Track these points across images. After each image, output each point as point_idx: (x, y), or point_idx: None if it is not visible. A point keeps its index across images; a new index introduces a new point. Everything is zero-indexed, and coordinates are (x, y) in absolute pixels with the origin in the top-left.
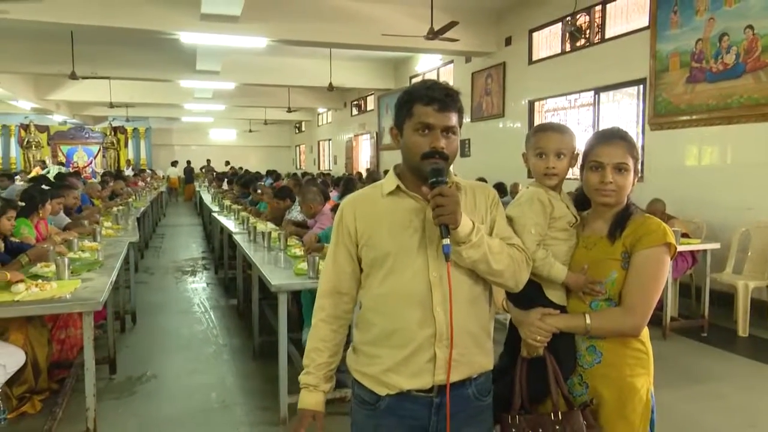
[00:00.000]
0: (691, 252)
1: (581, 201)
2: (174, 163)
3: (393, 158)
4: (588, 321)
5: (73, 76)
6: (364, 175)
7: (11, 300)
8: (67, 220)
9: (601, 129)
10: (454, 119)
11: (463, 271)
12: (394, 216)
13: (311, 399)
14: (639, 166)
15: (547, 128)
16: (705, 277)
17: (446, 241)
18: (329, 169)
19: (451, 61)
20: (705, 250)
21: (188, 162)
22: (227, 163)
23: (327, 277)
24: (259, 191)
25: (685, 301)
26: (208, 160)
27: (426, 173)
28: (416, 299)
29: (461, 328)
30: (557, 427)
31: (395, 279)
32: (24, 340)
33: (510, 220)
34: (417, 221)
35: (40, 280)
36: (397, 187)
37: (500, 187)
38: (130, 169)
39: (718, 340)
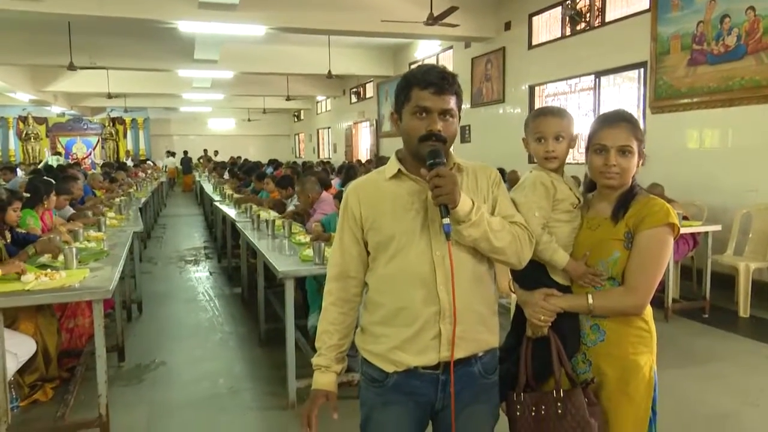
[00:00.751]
0: (692, 234)
1: (594, 185)
2: (171, 154)
3: (393, 145)
4: (591, 301)
5: (71, 67)
6: (366, 161)
7: (22, 289)
8: (71, 210)
9: (604, 112)
10: (451, 102)
11: (466, 250)
12: (397, 199)
13: (324, 379)
14: (643, 148)
15: (546, 112)
16: (706, 259)
17: (446, 220)
18: (329, 158)
19: (451, 47)
20: (706, 233)
21: (185, 152)
22: (216, 153)
23: (334, 261)
24: (265, 181)
25: (687, 284)
26: (205, 150)
27: (424, 155)
28: (420, 278)
29: (465, 306)
30: (559, 404)
31: (400, 260)
32: (34, 329)
33: (514, 205)
34: (419, 203)
35: (49, 270)
36: (399, 170)
37: (500, 174)
38: (130, 159)
39: (720, 321)
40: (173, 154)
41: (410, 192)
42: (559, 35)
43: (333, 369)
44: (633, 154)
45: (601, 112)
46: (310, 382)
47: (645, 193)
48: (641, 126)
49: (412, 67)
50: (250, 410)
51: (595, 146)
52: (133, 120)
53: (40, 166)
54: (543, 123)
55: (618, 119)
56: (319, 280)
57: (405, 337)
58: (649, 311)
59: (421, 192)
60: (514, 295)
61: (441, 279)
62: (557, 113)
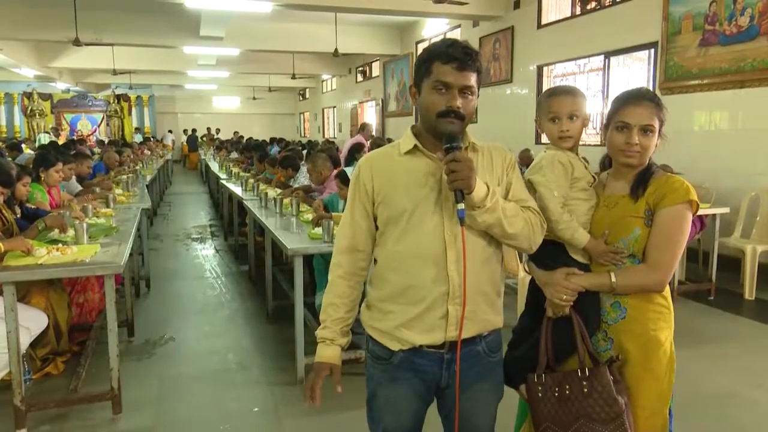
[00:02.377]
0: (700, 217)
1: (610, 163)
2: (169, 132)
3: (399, 125)
4: (614, 279)
5: (77, 43)
6: (368, 144)
7: (35, 263)
8: (79, 187)
9: (628, 89)
10: (472, 79)
11: (477, 232)
12: (411, 175)
13: (328, 352)
14: (664, 129)
15: (559, 92)
16: (713, 241)
17: (461, 205)
18: (334, 137)
19: (459, 26)
20: (714, 215)
21: (194, 130)
22: (218, 131)
23: (344, 234)
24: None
25: (692, 266)
26: (208, 129)
27: (442, 132)
28: (431, 257)
29: (473, 287)
30: (584, 383)
31: (411, 237)
32: (45, 304)
33: (532, 185)
34: (433, 181)
35: (60, 245)
36: (415, 146)
37: None
38: (139, 134)
39: (725, 303)
40: (170, 132)
41: (425, 169)
42: (569, 14)
43: (338, 342)
44: (654, 134)
45: (617, 92)
46: None
47: (661, 171)
48: (664, 106)
49: (420, 46)
50: (258, 384)
51: (617, 123)
52: (138, 97)
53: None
54: (557, 102)
55: (642, 97)
56: (327, 258)
57: (412, 315)
58: (667, 288)
59: (436, 170)
60: (521, 275)
61: (452, 259)
62: (571, 92)
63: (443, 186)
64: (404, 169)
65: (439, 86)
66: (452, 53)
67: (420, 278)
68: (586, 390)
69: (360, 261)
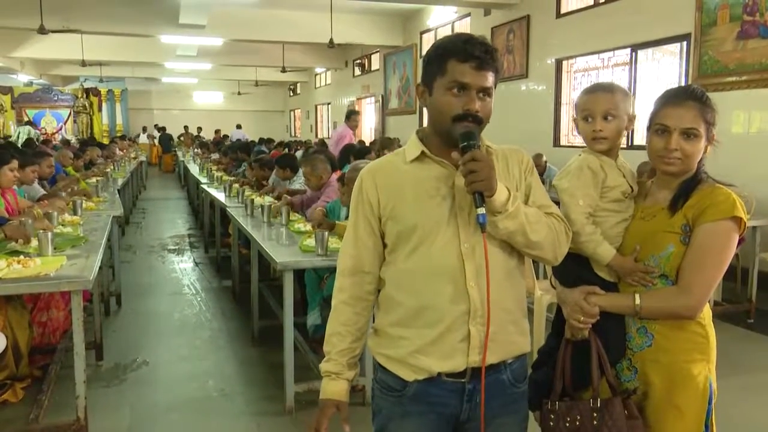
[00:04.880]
0: None
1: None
2: (144, 129)
3: (400, 124)
4: (637, 301)
5: (42, 30)
6: (368, 143)
7: None
8: (42, 191)
9: (673, 87)
10: (490, 79)
11: (497, 242)
12: (420, 184)
13: (334, 388)
14: (713, 132)
15: (595, 89)
16: (753, 257)
17: (481, 210)
18: (328, 137)
19: (468, 14)
20: (753, 228)
21: (163, 129)
22: (199, 129)
23: (348, 254)
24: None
25: (729, 285)
26: (186, 127)
27: (457, 137)
28: (447, 274)
29: (497, 304)
30: (595, 415)
31: (423, 253)
32: (3, 323)
33: (557, 192)
34: (445, 188)
35: (21, 257)
36: (422, 152)
37: None
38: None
39: (766, 326)
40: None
41: (435, 176)
42: (592, 2)
43: (344, 376)
44: (699, 138)
45: (644, 90)
46: (309, 386)
47: (711, 182)
48: (713, 106)
49: (424, 36)
50: (243, 415)
51: (656, 126)
52: (110, 91)
53: (16, 141)
54: (591, 100)
55: (685, 97)
56: (320, 273)
57: (428, 339)
58: (707, 313)
59: (448, 177)
60: (537, 294)
61: (471, 274)
62: (607, 89)
63: (457, 193)
64: (412, 179)
65: (456, 87)
66: (471, 51)
67: (436, 298)
68: (596, 422)
69: (366, 284)
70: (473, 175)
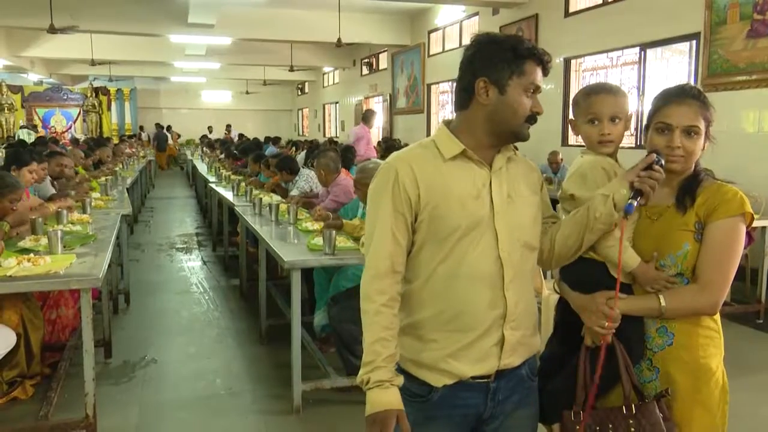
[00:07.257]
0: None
1: None
2: (141, 128)
3: (408, 123)
4: (663, 302)
5: (51, 30)
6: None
7: (2, 275)
8: (52, 190)
9: (672, 86)
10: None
11: (527, 246)
12: (463, 185)
13: (389, 397)
14: (711, 129)
15: (600, 90)
16: (763, 257)
17: (632, 201)
18: (336, 136)
19: (476, 14)
20: (763, 227)
21: (162, 127)
22: (210, 129)
23: (383, 252)
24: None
25: (738, 285)
26: (210, 128)
27: (524, 136)
28: (486, 279)
29: (525, 308)
30: (631, 422)
31: (461, 257)
32: (18, 321)
33: (576, 199)
34: (485, 192)
35: (32, 254)
36: (463, 151)
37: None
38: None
39: None
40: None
41: (474, 177)
42: (601, 1)
43: (396, 383)
44: (699, 136)
45: (654, 89)
46: (316, 385)
47: (711, 178)
48: (711, 104)
49: (432, 35)
50: (250, 413)
51: (657, 124)
52: (119, 90)
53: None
54: (597, 102)
55: (685, 95)
56: (329, 272)
57: (462, 344)
58: None
59: (486, 178)
60: (545, 294)
61: (509, 278)
62: (613, 91)
63: (495, 197)
64: (455, 178)
65: (531, 89)
66: (541, 56)
67: (474, 303)
68: (633, 430)
69: (397, 284)
70: (651, 181)
